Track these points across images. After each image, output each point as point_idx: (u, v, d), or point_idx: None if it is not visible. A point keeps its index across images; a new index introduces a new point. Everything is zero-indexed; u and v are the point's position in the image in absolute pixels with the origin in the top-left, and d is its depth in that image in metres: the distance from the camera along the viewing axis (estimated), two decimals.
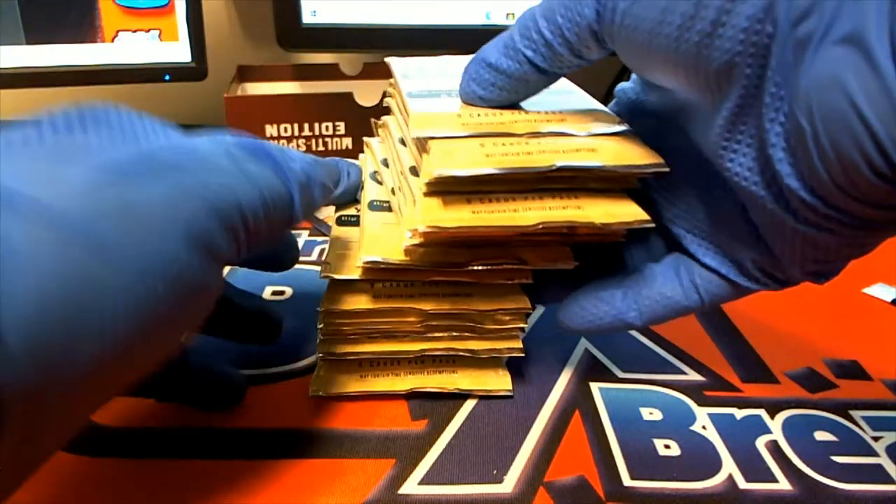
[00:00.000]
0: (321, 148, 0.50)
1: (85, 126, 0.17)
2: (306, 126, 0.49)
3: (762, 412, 0.26)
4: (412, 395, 0.26)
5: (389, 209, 0.27)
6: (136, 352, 0.16)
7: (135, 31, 0.52)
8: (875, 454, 0.25)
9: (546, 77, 0.24)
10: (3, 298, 0.13)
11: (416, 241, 0.23)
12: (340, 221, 0.29)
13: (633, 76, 0.28)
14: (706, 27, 0.18)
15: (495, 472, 0.23)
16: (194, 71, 0.54)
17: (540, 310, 0.33)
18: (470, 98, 0.24)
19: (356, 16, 0.51)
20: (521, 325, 0.26)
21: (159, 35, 0.52)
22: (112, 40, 0.52)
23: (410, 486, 0.22)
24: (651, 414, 0.26)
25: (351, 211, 0.30)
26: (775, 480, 0.23)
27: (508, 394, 0.26)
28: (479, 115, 0.24)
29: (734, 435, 0.25)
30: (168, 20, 0.52)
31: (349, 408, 0.26)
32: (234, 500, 0.22)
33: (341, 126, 0.49)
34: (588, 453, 0.24)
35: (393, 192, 0.27)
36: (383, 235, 0.25)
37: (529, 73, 0.23)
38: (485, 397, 0.26)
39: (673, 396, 0.27)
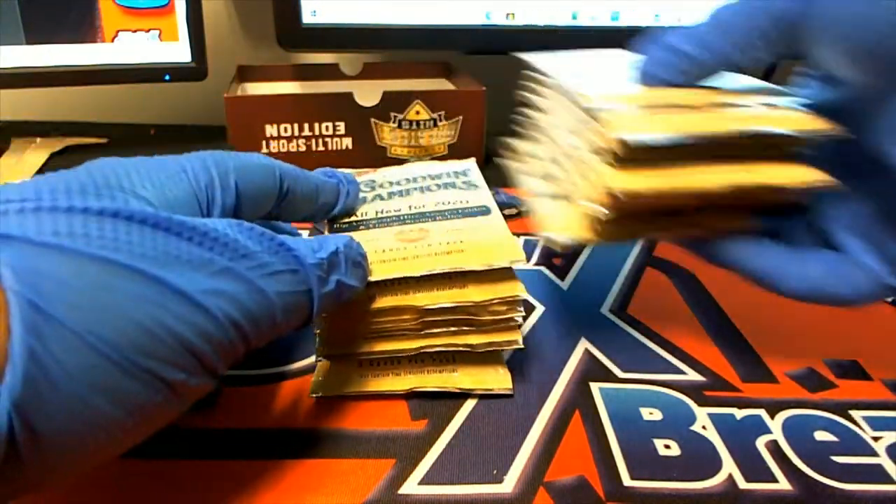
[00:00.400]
0: (321, 148, 0.50)
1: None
2: (306, 126, 0.49)
3: (762, 412, 0.26)
4: (412, 395, 0.26)
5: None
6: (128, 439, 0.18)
7: (135, 31, 0.52)
8: (875, 454, 0.25)
9: (735, 68, 0.25)
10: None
11: (606, 210, 0.23)
12: (334, 229, 0.29)
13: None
14: None
15: (495, 472, 0.23)
16: (194, 71, 0.54)
17: (540, 309, 0.33)
18: (649, 79, 0.25)
19: (356, 16, 0.51)
20: (519, 314, 0.26)
21: (159, 35, 0.52)
22: (112, 40, 0.52)
23: (410, 486, 0.22)
24: (651, 414, 0.26)
25: (348, 218, 0.30)
26: (775, 480, 0.23)
27: (509, 392, 0.26)
28: (655, 92, 0.25)
29: (734, 435, 0.25)
30: (168, 20, 0.52)
31: (349, 408, 0.26)
32: (234, 501, 0.22)
33: (341, 126, 0.49)
34: (588, 453, 0.24)
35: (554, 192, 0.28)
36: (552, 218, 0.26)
37: (721, 65, 0.24)
38: (485, 396, 0.26)
39: (673, 396, 0.27)
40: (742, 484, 0.23)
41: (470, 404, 0.26)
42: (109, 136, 0.59)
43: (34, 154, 0.53)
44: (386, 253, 0.26)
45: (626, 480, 0.23)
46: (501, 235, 0.27)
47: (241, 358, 0.20)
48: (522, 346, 0.26)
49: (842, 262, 0.24)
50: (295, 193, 0.26)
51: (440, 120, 0.50)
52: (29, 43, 0.50)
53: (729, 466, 0.24)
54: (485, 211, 0.30)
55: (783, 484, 0.23)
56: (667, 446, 0.24)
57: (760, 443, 0.25)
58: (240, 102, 0.48)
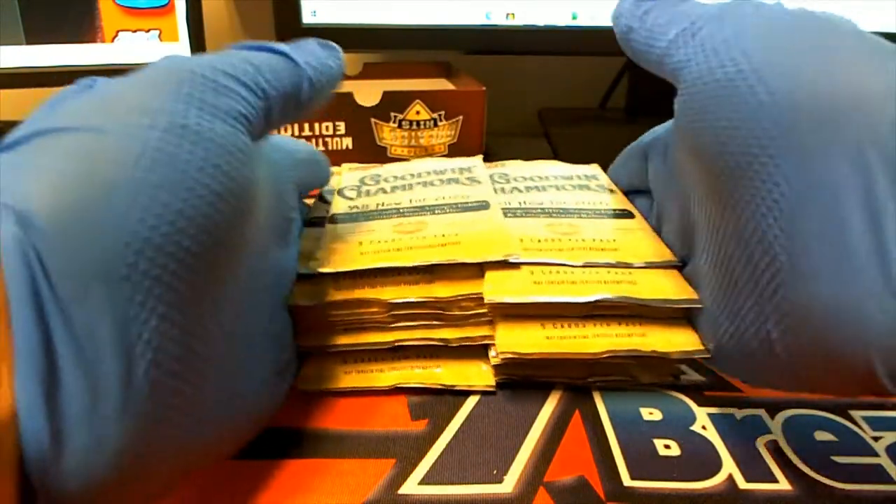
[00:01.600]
0: (321, 148, 0.50)
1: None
2: (306, 126, 0.49)
3: (762, 412, 0.26)
4: (412, 395, 0.26)
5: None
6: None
7: (135, 31, 0.52)
8: (875, 454, 0.25)
9: None
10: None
11: (499, 363, 0.26)
12: (334, 219, 0.30)
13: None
14: None
15: (495, 472, 0.23)
16: None
17: None
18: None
19: (356, 16, 0.51)
20: (481, 312, 0.26)
21: (159, 35, 0.52)
22: (112, 40, 0.52)
23: (410, 486, 0.22)
24: (651, 414, 0.26)
25: (320, 213, 0.32)
26: (775, 480, 0.23)
27: (492, 390, 0.26)
28: (539, 240, 0.28)
29: (734, 435, 0.25)
30: (168, 20, 0.52)
31: (349, 407, 0.26)
32: (234, 500, 0.22)
33: (341, 126, 0.49)
34: (588, 453, 0.24)
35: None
36: None
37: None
38: (486, 393, 0.26)
39: (673, 396, 0.27)
40: (742, 484, 0.23)
41: (470, 404, 0.26)
42: None
43: None
44: (382, 244, 0.27)
45: (626, 480, 0.23)
46: (497, 229, 0.27)
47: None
48: (494, 342, 0.26)
49: None
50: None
51: (440, 120, 0.50)
52: (29, 43, 0.50)
53: (729, 466, 0.24)
54: (483, 206, 0.30)
55: (783, 484, 0.23)
56: (667, 446, 0.24)
57: (760, 443, 0.25)
58: None
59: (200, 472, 0.23)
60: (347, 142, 0.50)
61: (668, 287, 0.26)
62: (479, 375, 0.27)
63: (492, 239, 0.27)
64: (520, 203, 0.31)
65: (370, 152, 0.50)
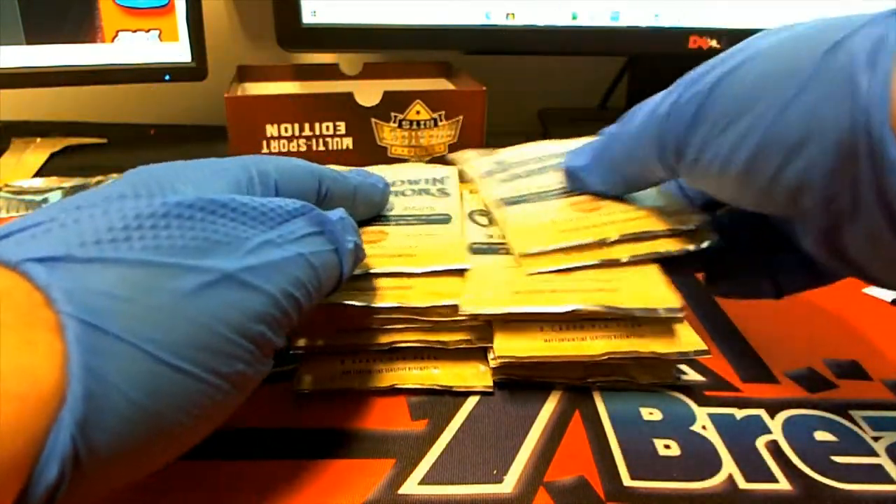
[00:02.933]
0: (321, 148, 0.50)
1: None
2: (306, 126, 0.49)
3: (762, 412, 0.26)
4: (412, 395, 0.26)
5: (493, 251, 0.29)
6: (187, 438, 0.18)
7: (135, 31, 0.52)
8: (875, 454, 0.25)
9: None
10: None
11: (498, 365, 0.26)
12: None
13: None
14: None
15: (495, 472, 0.23)
16: (194, 71, 0.54)
17: None
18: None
19: (356, 16, 0.51)
20: (464, 318, 0.26)
21: (159, 35, 0.52)
22: (112, 40, 0.52)
23: (410, 486, 0.22)
24: (651, 414, 0.26)
25: None
26: (775, 480, 0.23)
27: (489, 391, 0.26)
28: (569, 220, 0.28)
29: (734, 435, 0.25)
30: (168, 20, 0.52)
31: (348, 407, 0.26)
32: (234, 500, 0.22)
33: (341, 126, 0.49)
34: (588, 453, 0.24)
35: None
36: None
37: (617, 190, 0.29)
38: (484, 393, 0.26)
39: (673, 396, 0.27)
40: (742, 484, 0.23)
41: (470, 404, 0.26)
42: (109, 136, 0.59)
43: (34, 154, 0.53)
44: None
45: (626, 480, 0.23)
46: (451, 243, 0.28)
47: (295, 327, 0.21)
48: (474, 345, 0.26)
49: None
50: (333, 194, 0.26)
51: (440, 120, 0.50)
52: (29, 43, 0.50)
53: (729, 466, 0.24)
54: (445, 219, 0.30)
55: (783, 484, 0.23)
56: (667, 446, 0.24)
57: (760, 443, 0.25)
58: (240, 102, 0.48)
59: (204, 472, 0.23)
60: (348, 142, 0.50)
61: (650, 292, 0.25)
62: (476, 376, 0.27)
63: (444, 252, 0.27)
64: (530, 189, 0.31)
65: (370, 152, 0.50)
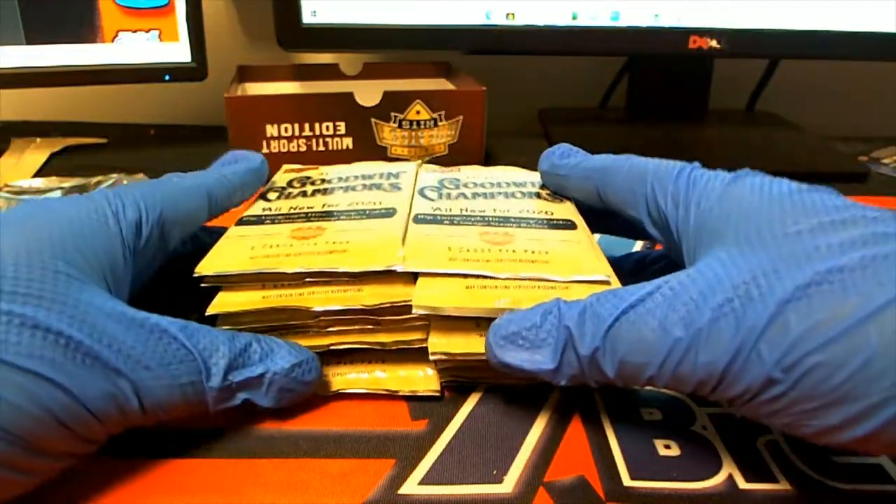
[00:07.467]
0: (321, 148, 0.50)
1: None
2: (306, 126, 0.49)
3: None
4: (412, 395, 0.26)
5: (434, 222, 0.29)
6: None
7: (135, 31, 0.52)
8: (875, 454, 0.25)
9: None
10: None
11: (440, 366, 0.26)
12: (241, 221, 0.30)
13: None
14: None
15: (495, 472, 0.23)
16: (194, 71, 0.54)
17: None
18: None
19: (356, 16, 0.51)
20: (413, 316, 0.25)
21: (159, 35, 0.52)
22: (112, 40, 0.52)
23: (410, 486, 0.22)
24: (651, 414, 0.26)
25: (255, 211, 0.31)
26: (775, 480, 0.23)
27: (436, 394, 0.26)
28: (467, 250, 0.27)
29: (734, 435, 0.25)
30: (168, 20, 0.52)
31: (348, 408, 0.26)
32: (233, 500, 0.22)
33: (341, 126, 0.49)
34: (588, 453, 0.24)
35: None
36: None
37: None
38: (430, 398, 0.26)
39: (673, 396, 0.27)
40: (742, 484, 0.23)
41: (470, 404, 0.26)
42: (109, 136, 0.59)
43: (34, 154, 0.53)
44: (273, 248, 0.27)
45: (626, 480, 0.23)
46: (386, 238, 0.27)
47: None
48: (426, 344, 0.26)
49: None
50: (221, 198, 0.29)
51: (440, 120, 0.50)
52: (29, 43, 0.50)
53: (729, 466, 0.24)
54: (389, 213, 0.30)
55: (783, 484, 0.23)
56: (667, 446, 0.24)
57: (760, 443, 0.25)
58: (240, 102, 0.48)
59: (200, 471, 0.23)
60: (348, 142, 0.50)
61: (582, 263, 0.26)
62: (422, 380, 0.26)
63: (376, 248, 0.26)
64: (461, 210, 0.31)
65: (371, 152, 0.50)
